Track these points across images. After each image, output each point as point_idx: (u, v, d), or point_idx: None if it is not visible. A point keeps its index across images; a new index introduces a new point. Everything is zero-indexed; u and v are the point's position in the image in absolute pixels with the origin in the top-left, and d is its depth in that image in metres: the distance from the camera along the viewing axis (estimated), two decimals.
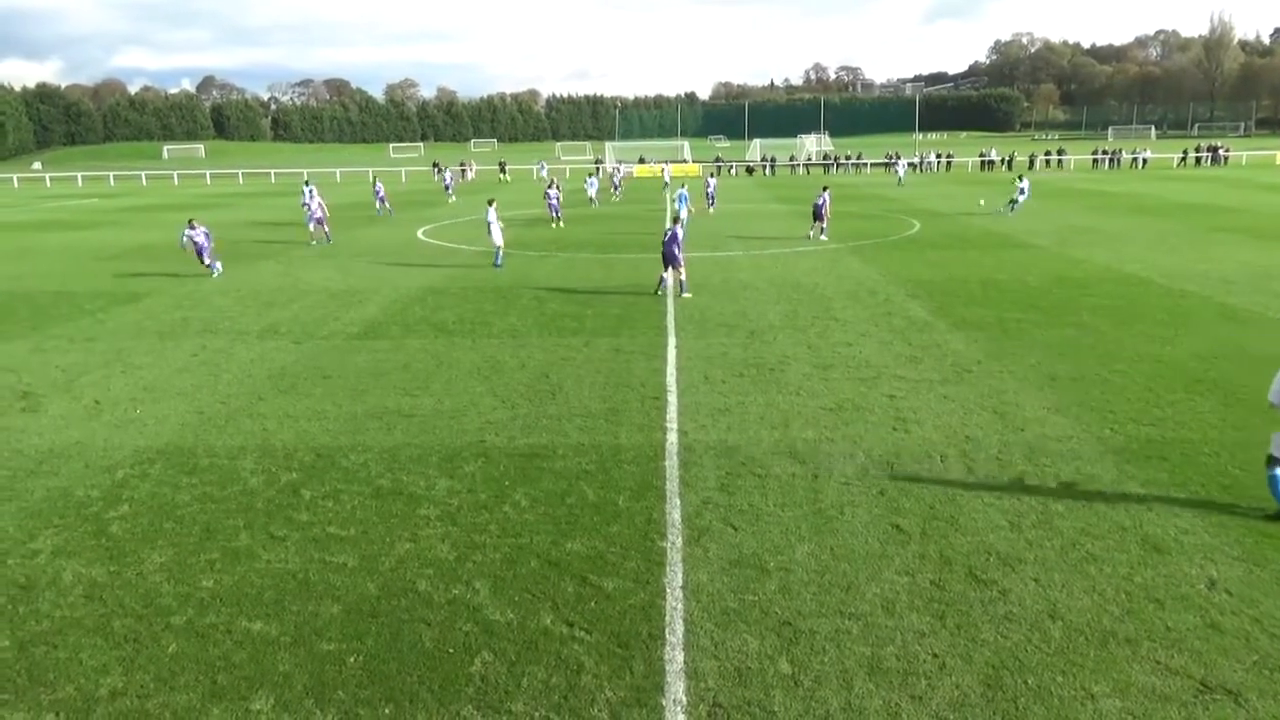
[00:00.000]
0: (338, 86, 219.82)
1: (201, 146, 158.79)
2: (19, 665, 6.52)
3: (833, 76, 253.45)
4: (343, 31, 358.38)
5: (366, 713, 5.93)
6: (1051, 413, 11.53)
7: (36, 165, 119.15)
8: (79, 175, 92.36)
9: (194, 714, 5.95)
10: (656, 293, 20.20)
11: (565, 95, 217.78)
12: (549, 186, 36.91)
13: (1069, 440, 10.54)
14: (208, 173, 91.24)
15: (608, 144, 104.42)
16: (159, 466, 10.36)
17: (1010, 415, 11.48)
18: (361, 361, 15.03)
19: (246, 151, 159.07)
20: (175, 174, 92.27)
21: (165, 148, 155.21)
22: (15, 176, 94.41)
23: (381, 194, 43.41)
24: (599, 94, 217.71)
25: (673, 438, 10.86)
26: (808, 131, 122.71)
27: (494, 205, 25.13)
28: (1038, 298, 19.29)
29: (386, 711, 5.94)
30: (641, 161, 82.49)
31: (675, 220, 20.68)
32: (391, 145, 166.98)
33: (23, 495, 9.60)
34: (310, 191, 34.23)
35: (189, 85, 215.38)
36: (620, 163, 78.08)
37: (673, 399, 12.41)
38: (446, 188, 54.76)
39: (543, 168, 78.60)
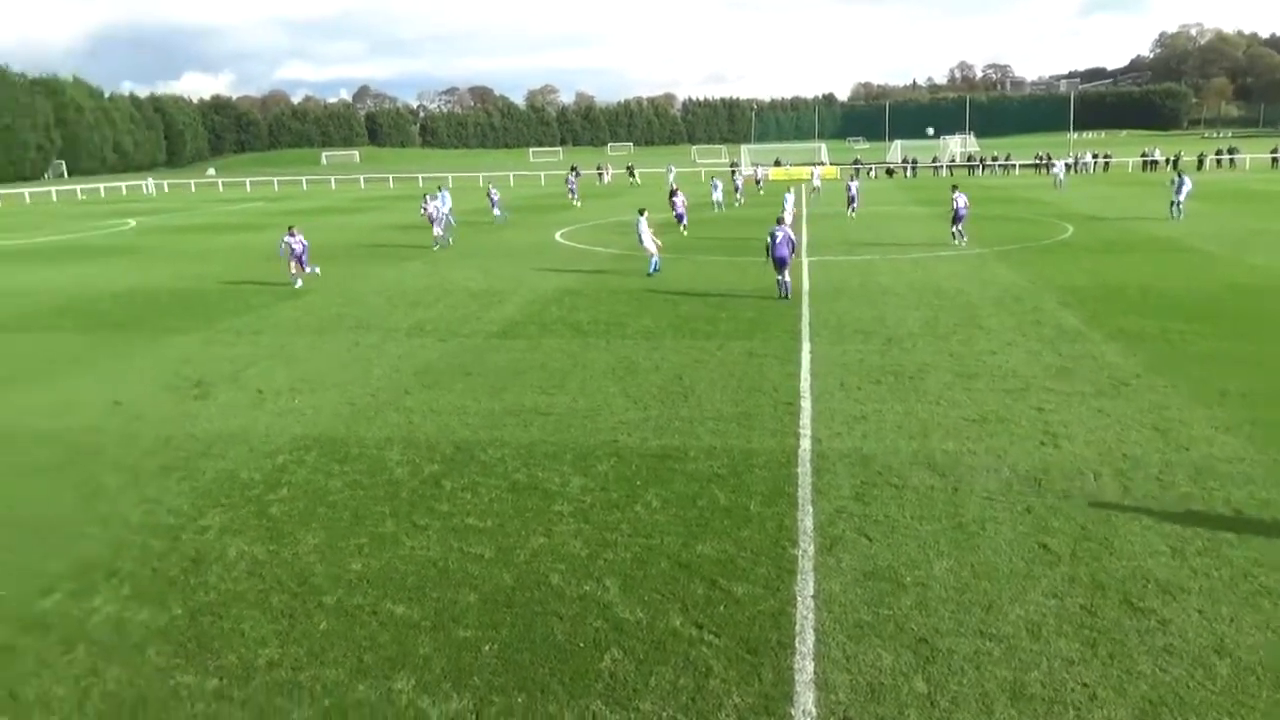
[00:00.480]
0: (481, 94, 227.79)
1: (356, 153, 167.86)
2: (190, 632, 7.05)
3: (979, 75, 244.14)
4: (487, 40, 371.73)
5: (500, 699, 6.11)
6: (1221, 431, 10.72)
7: (211, 171, 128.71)
8: (247, 181, 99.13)
9: (341, 689, 6.28)
10: (784, 297, 19.97)
11: (701, 98, 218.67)
12: (673, 194, 36.14)
13: (1240, 462, 9.77)
14: (361, 177, 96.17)
15: (743, 147, 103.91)
16: (314, 454, 11.00)
17: (1173, 433, 10.74)
18: (500, 360, 15.49)
19: (397, 157, 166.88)
20: (332, 179, 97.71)
21: (324, 154, 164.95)
22: (192, 182, 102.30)
23: (495, 199, 44.32)
24: (735, 96, 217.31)
25: (806, 444, 10.70)
26: (951, 132, 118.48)
27: (645, 215, 24.85)
28: (1206, 306, 17.96)
29: (519, 700, 6.10)
30: (777, 164, 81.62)
31: (779, 221, 20.48)
32: (531, 150, 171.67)
33: (195, 475, 10.39)
34: (443, 196, 36.35)
35: (346, 95, 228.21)
36: (756, 165, 77.50)
37: (806, 405, 12.23)
38: (570, 192, 55.36)
39: (671, 171, 78.92)
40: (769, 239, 20.01)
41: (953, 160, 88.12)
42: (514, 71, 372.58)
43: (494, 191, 45.06)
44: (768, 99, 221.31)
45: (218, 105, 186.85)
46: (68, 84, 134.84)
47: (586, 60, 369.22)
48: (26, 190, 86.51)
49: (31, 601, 7.57)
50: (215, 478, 10.33)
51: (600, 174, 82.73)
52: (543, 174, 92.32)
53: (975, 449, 10.42)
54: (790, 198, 34.75)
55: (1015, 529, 8.35)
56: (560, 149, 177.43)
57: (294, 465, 10.64)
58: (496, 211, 43.14)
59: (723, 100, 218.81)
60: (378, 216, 49.62)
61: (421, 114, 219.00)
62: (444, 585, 7.66)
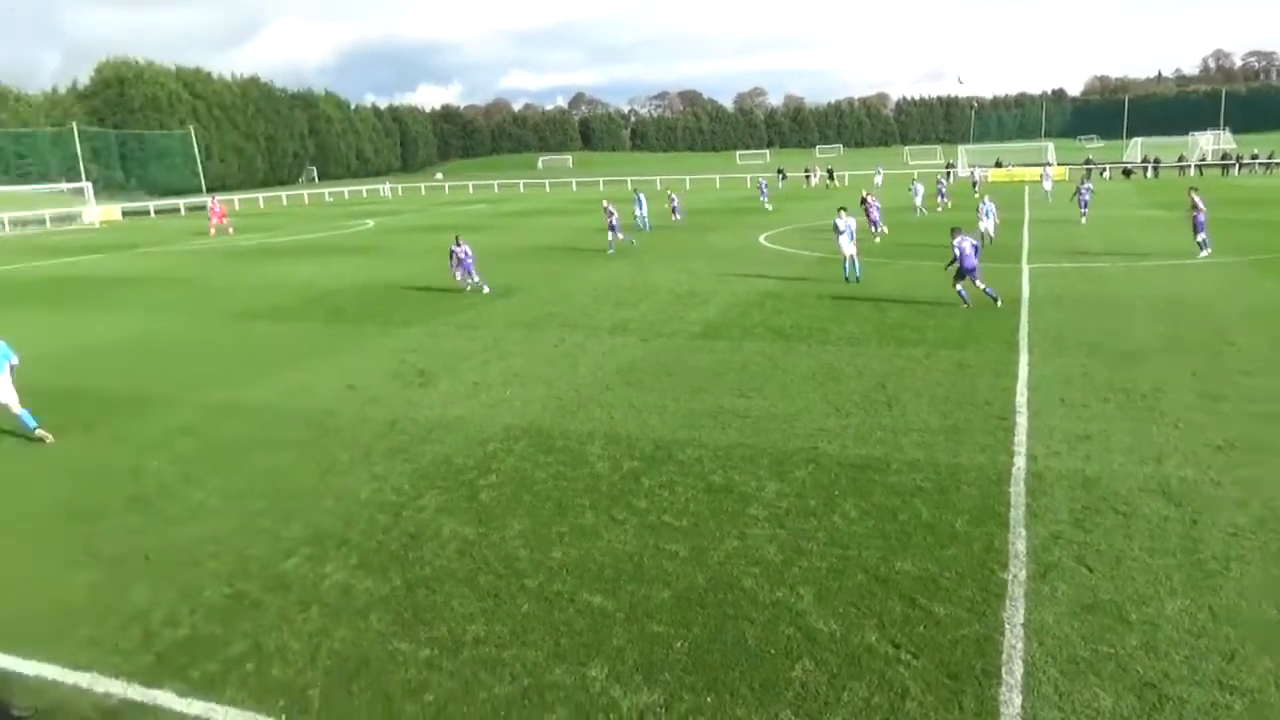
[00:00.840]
0: (691, 97, 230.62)
1: (569, 157, 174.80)
2: (406, 603, 7.60)
3: (1238, 64, 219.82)
4: (699, 44, 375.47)
5: (690, 697, 6.16)
6: None
7: (439, 176, 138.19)
8: (470, 184, 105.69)
9: (539, 670, 6.55)
10: (997, 304, 18.87)
11: (916, 97, 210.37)
12: (864, 200, 34.81)
13: None
14: (574, 181, 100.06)
15: (960, 147, 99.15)
16: (522, 444, 11.55)
17: None
18: (701, 361, 15.62)
19: (608, 161, 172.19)
20: (547, 182, 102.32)
21: (540, 158, 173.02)
22: (423, 185, 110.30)
23: (676, 204, 46.17)
24: (953, 95, 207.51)
25: (1020, 462, 10.06)
26: (1202, 128, 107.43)
27: (845, 212, 24.07)
28: None
29: (708, 700, 6.13)
30: (998, 165, 77.23)
31: (958, 232, 19.39)
32: (738, 152, 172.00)
33: (416, 458, 11.18)
34: (639, 200, 39.17)
35: (562, 102, 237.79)
36: (973, 167, 73.70)
37: (1022, 421, 11.50)
38: (762, 194, 57.00)
39: (879, 173, 76.46)
40: (956, 250, 19.02)
41: (1203, 159, 79.90)
42: (724, 75, 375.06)
43: (674, 198, 47.45)
44: (989, 96, 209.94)
45: (447, 114, 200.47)
46: (320, 98, 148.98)
47: (798, 62, 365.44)
48: (284, 193, 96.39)
49: (276, 563, 8.43)
50: (433, 461, 11.07)
51: (807, 176, 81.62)
52: (748, 177, 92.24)
53: (1220, 479, 9.40)
54: (991, 207, 30.63)
55: (1267, 571, 7.47)
56: (767, 151, 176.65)
57: (503, 453, 11.22)
58: (676, 216, 44.99)
59: (939, 99, 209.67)
60: (587, 218, 51.37)
61: (632, 118, 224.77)
62: (639, 580, 7.82)
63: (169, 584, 8.08)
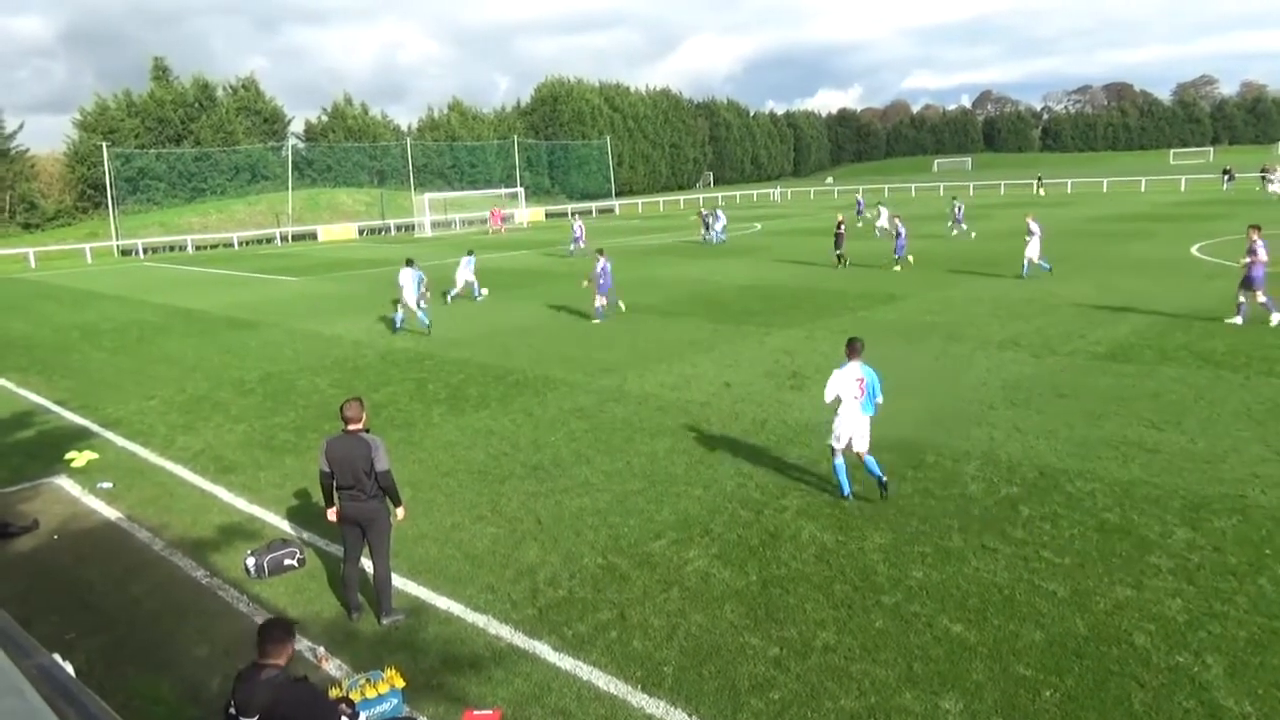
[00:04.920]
0: (1118, 90, 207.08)
1: (969, 159, 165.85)
2: (760, 599, 7.76)
3: None
4: (1134, 30, 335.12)
5: None
6: None
7: (829, 180, 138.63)
8: (860, 188, 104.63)
9: (888, 691, 6.34)
10: None
11: None
12: None
13: None
14: (971, 185, 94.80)
15: None
16: (891, 455, 11.20)
17: None
18: (1103, 384, 14.06)
19: (1011, 163, 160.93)
20: (941, 185, 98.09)
21: (935, 161, 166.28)
22: (811, 189, 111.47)
23: (959, 213, 42.64)
24: None
25: None
26: None
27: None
28: None
29: None
30: None
31: None
32: (1173, 151, 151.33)
33: (782, 458, 11.37)
34: (957, 207, 35.00)
35: (966, 101, 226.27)
36: None
37: None
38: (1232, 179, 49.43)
39: None
40: None
41: None
42: (1161, 63, 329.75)
43: (958, 206, 43.93)
44: None
45: (842, 118, 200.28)
46: (721, 105, 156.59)
47: (1262, 42, 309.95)
48: (681, 197, 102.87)
49: (645, 542, 9.06)
50: (798, 463, 11.17)
51: (1264, 177, 69.52)
52: (1183, 179, 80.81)
53: None
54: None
55: None
56: (1211, 149, 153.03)
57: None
58: (963, 226, 42.40)
59: None
60: (984, 224, 48.43)
61: (1045, 116, 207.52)
62: (1007, 614, 7.25)
63: (554, 547, 9.04)
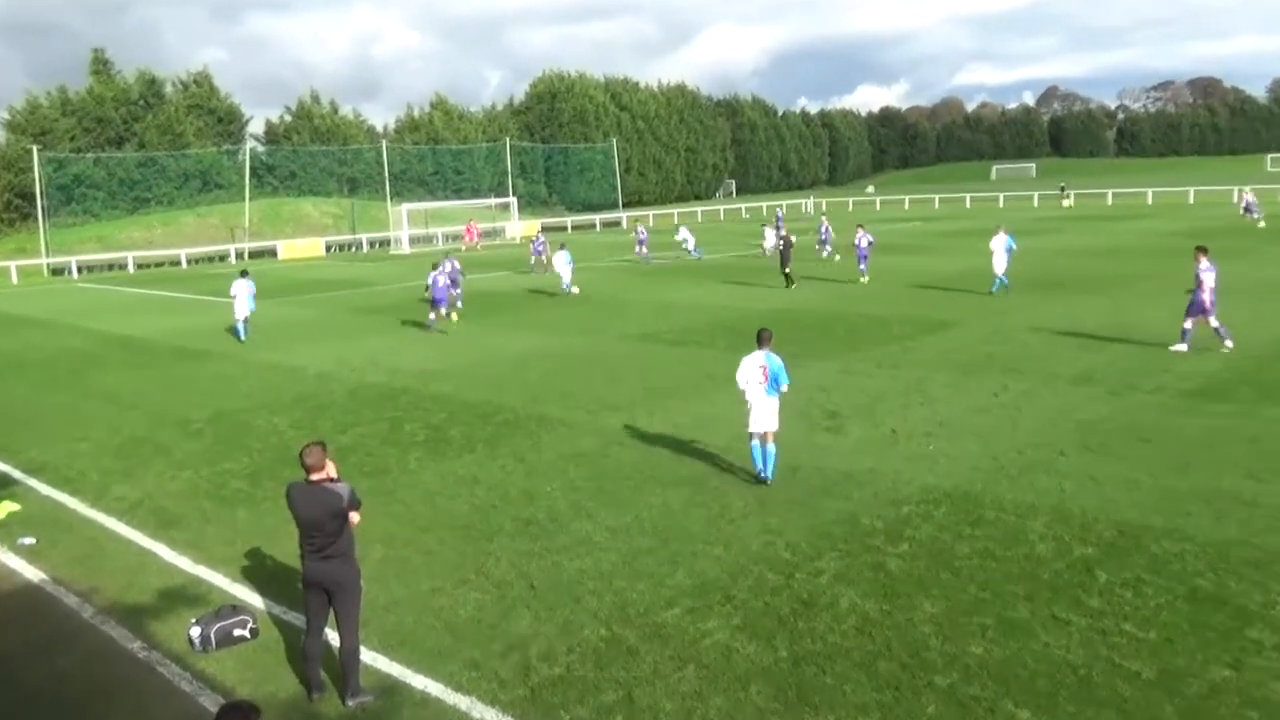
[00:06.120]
0: (1205, 86, 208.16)
1: (1033, 165, 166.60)
2: (791, 678, 7.69)
3: None
4: (1223, 18, 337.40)
5: None
6: None
7: (870, 189, 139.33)
8: (906, 199, 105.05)
9: None
10: None
11: None
12: None
13: None
14: (1035, 194, 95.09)
15: None
16: (944, 509, 11.17)
17: None
18: (1192, 426, 14.02)
19: (1081, 169, 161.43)
20: (1001, 196, 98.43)
21: (994, 167, 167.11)
22: (850, 200, 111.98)
23: (1007, 252, 41.83)
24: None
25: None
26: None
27: None
28: None
29: None
30: None
31: None
32: (1270, 156, 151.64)
33: (816, 512, 11.32)
34: (825, 228, 36.71)
35: (1029, 98, 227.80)
36: None
37: None
38: (1248, 213, 52.75)
39: None
40: None
41: None
42: (1255, 56, 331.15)
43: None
44: None
45: (885, 118, 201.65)
46: (745, 104, 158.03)
47: None
48: (699, 208, 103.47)
49: (656, 610, 9.00)
50: (835, 518, 11.11)
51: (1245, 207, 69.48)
52: None
53: None
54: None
55: None
56: None
57: (919, 519, 10.94)
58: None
59: None
60: (1050, 239, 48.54)
61: (1120, 116, 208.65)
62: (1083, 699, 7.16)
63: (549, 616, 8.98)
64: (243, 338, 26.53)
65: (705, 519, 11.31)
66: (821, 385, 17.94)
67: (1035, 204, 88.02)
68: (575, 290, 33.69)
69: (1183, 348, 19.37)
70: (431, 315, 26.90)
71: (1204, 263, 19.53)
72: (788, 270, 33.62)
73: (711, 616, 8.82)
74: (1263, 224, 51.08)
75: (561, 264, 34.45)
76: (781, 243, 34.91)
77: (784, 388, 12.27)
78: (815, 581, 9.46)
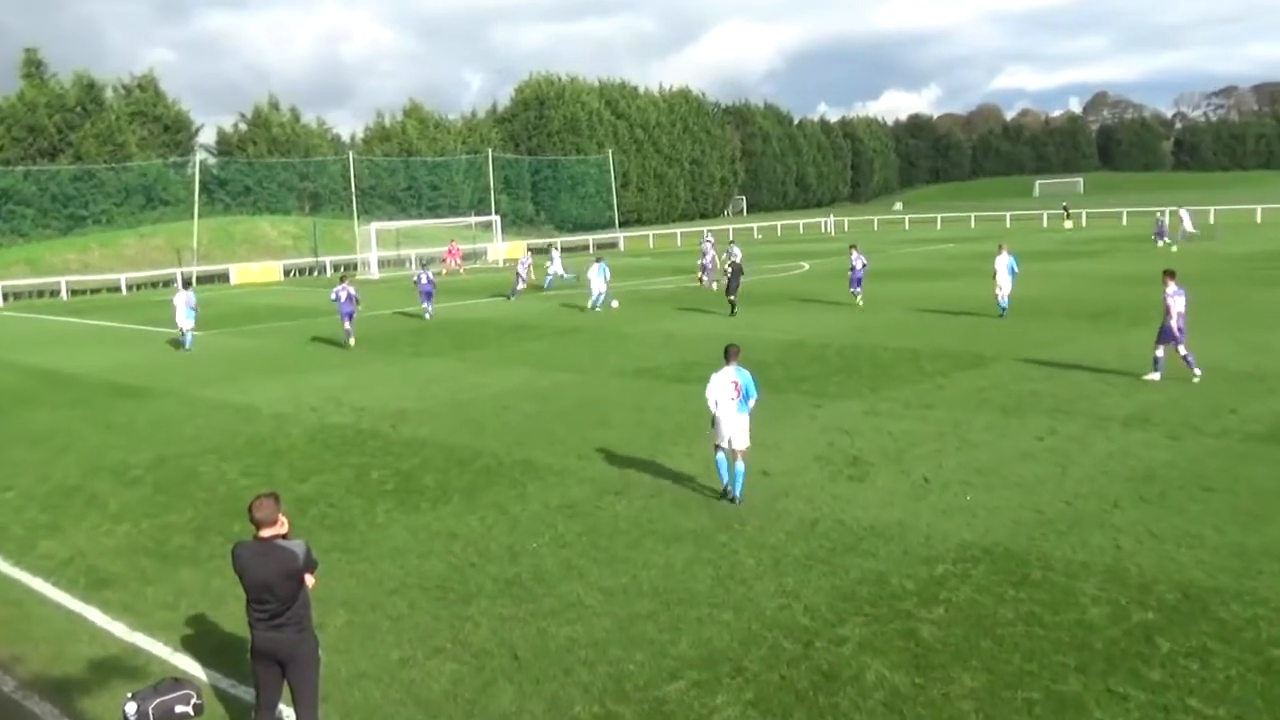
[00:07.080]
0: (1272, 93, 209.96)
1: (1080, 180, 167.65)
2: None
3: None
4: None
5: None
6: None
7: (897, 206, 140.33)
8: (938, 217, 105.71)
9: None
10: None
11: None
12: None
13: None
14: (1084, 212, 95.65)
15: None
16: (983, 569, 11.13)
17: None
18: (1264, 474, 14.05)
19: (1134, 184, 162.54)
20: (1044, 214, 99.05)
21: (1037, 182, 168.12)
22: (875, 218, 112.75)
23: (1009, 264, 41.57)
24: None
25: None
26: None
27: None
28: None
29: None
30: None
31: None
32: None
33: (838, 572, 11.28)
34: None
35: (1075, 105, 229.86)
36: None
37: None
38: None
39: None
40: None
41: None
42: None
43: (1009, 262, 43.88)
44: None
45: (914, 127, 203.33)
46: (757, 111, 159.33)
47: None
48: (706, 228, 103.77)
49: (657, 684, 8.94)
50: (861, 579, 11.07)
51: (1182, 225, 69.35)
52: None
53: None
54: None
55: None
56: None
57: (956, 579, 10.90)
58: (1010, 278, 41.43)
59: None
60: (1097, 263, 48.78)
61: (1177, 125, 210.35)
62: None
63: (536, 692, 8.92)
64: (188, 347, 31.46)
65: (712, 579, 11.26)
66: (844, 428, 17.94)
67: (1084, 223, 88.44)
68: (615, 304, 37.51)
69: (1155, 376, 20.69)
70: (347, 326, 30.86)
71: (1171, 287, 20.64)
72: (732, 298, 35.60)
73: (720, 691, 8.76)
74: None
75: (595, 276, 37.14)
76: (730, 269, 37.29)
77: (753, 402, 13.62)
78: (838, 651, 9.41)
